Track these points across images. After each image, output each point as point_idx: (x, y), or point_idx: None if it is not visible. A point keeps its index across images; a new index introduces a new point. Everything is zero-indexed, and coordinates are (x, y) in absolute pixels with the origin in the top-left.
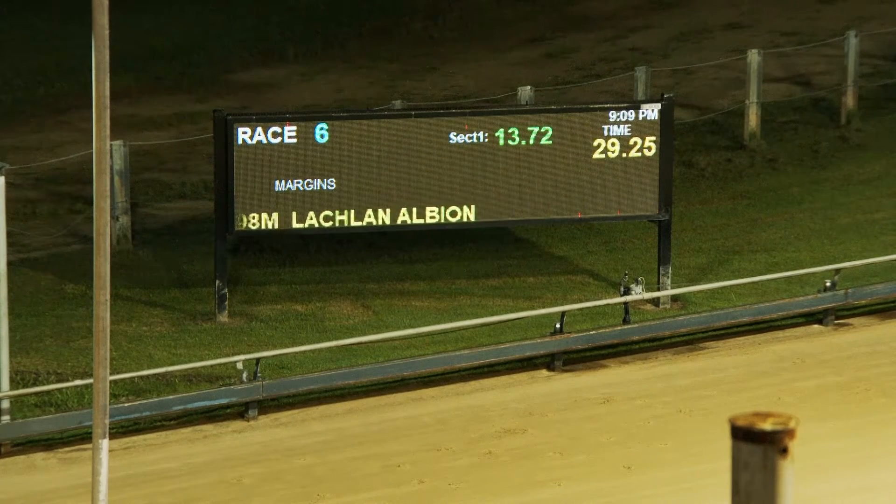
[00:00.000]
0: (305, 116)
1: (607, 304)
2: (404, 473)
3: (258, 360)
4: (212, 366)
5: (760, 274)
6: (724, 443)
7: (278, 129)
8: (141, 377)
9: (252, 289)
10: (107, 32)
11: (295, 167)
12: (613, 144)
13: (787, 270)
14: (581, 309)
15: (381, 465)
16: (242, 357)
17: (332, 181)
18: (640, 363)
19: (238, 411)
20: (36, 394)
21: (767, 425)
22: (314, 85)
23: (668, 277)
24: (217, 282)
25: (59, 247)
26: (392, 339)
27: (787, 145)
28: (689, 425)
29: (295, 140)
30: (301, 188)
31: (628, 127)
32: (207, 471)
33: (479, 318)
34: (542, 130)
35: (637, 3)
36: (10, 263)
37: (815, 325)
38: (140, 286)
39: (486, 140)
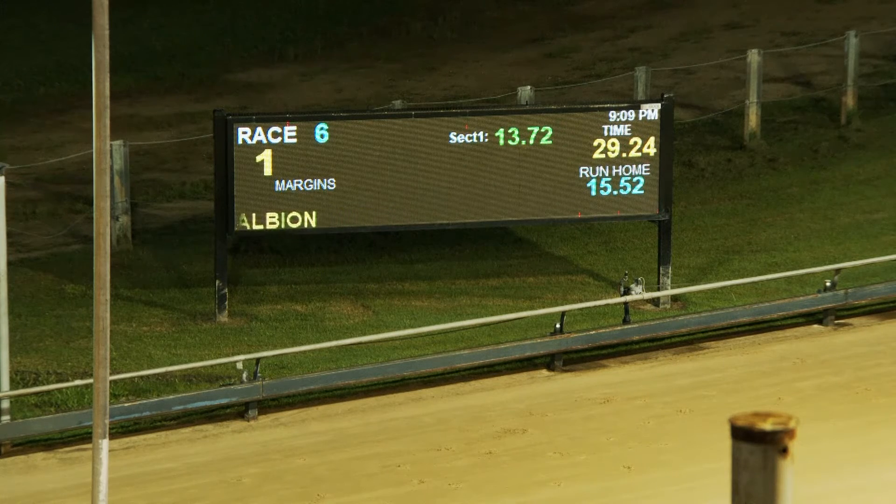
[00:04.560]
0: (305, 116)
1: (607, 304)
2: (404, 473)
3: (258, 360)
4: (212, 366)
5: (760, 274)
6: (724, 443)
7: (278, 129)
8: (141, 377)
9: (252, 289)
10: (107, 32)
11: (295, 167)
12: (613, 144)
13: (787, 270)
14: (581, 309)
15: (381, 465)
16: (242, 357)
17: (332, 181)
18: (640, 363)
19: (238, 411)
20: (36, 394)
21: (767, 425)
22: (314, 85)
23: (668, 277)
24: (217, 282)
25: (59, 247)
26: (392, 339)
27: (787, 145)
28: (689, 425)
29: (295, 140)
30: (301, 188)
31: (628, 127)
32: (207, 471)
33: (479, 318)
34: (542, 130)
35: (637, 3)
36: (10, 263)
37: (815, 325)
38: (140, 286)
39: (486, 140)
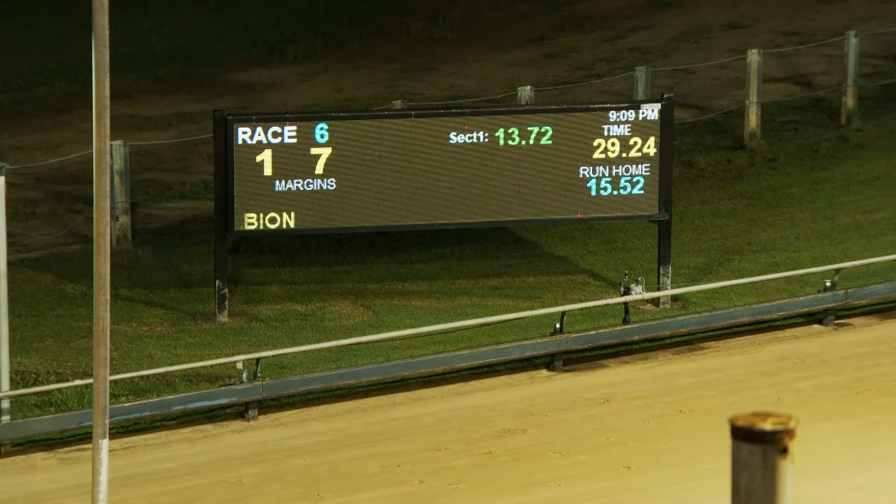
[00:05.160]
0: (305, 116)
1: (607, 304)
2: (404, 473)
3: (258, 360)
4: (212, 366)
5: (760, 274)
6: (724, 443)
7: (278, 129)
8: (141, 377)
9: (252, 289)
10: (107, 32)
11: (295, 167)
12: (613, 144)
13: (787, 270)
14: (581, 309)
15: (381, 465)
16: (242, 357)
17: (332, 181)
18: (640, 363)
19: (238, 411)
20: (36, 394)
21: (767, 425)
22: (314, 85)
23: (668, 277)
24: (217, 282)
25: (59, 247)
26: (392, 339)
27: (787, 145)
28: (689, 425)
29: (295, 140)
30: (301, 188)
31: (628, 127)
32: (207, 471)
33: (479, 318)
34: (542, 130)
35: (637, 3)
36: (10, 263)
37: (815, 325)
38: (140, 286)
39: (486, 140)
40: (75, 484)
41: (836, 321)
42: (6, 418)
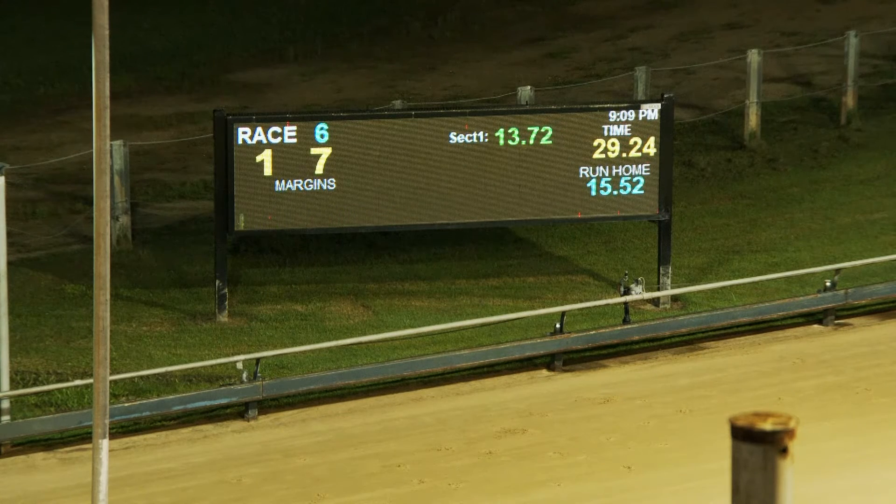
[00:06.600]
0: (305, 116)
1: (607, 304)
2: (404, 473)
3: (258, 360)
4: (212, 366)
5: (760, 274)
6: (724, 443)
7: (278, 129)
8: (141, 377)
9: (252, 289)
10: (107, 32)
11: (295, 167)
12: (613, 144)
13: (787, 270)
14: (581, 309)
15: (381, 465)
16: (242, 357)
17: (332, 181)
18: (640, 363)
19: (238, 411)
20: (36, 394)
21: (767, 425)
22: (314, 85)
23: (668, 277)
24: (217, 282)
25: (59, 247)
26: (392, 339)
27: (787, 145)
28: (689, 425)
29: (295, 140)
30: (301, 188)
31: (628, 127)
32: (207, 471)
33: (479, 318)
34: (542, 130)
35: (637, 3)
36: (10, 263)
37: (815, 325)
38: (140, 286)
39: (486, 140)
40: (75, 484)
41: (836, 321)
42: (6, 418)
